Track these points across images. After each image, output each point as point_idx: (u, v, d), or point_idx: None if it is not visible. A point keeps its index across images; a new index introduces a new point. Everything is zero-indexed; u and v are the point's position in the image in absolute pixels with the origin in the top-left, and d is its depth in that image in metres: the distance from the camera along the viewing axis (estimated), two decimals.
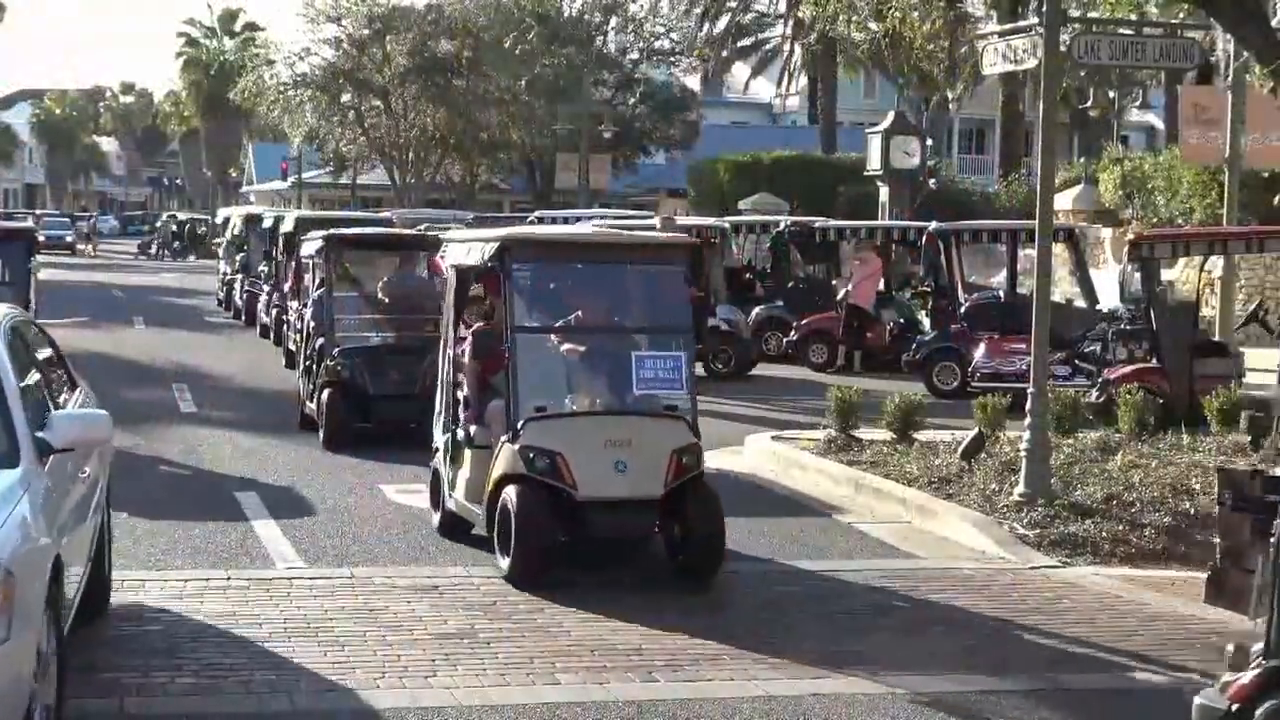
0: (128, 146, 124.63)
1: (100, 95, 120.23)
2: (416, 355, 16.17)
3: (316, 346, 17.15)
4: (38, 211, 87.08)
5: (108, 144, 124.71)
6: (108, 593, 9.38)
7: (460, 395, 11.47)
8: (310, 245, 18.65)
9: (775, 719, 7.81)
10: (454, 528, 11.52)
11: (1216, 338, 20.05)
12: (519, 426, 10.29)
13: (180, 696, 7.87)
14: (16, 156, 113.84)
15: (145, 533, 11.92)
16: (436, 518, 11.80)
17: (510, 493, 10.14)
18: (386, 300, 17.69)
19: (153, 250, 72.91)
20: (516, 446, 10.23)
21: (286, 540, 11.69)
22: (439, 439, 11.78)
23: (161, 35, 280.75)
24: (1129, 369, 17.37)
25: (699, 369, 22.32)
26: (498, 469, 10.38)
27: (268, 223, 30.84)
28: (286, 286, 24.00)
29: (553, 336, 11.14)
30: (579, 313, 11.24)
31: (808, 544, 12.07)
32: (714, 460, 15.61)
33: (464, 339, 11.66)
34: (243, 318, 31.99)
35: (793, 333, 25.26)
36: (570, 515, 10.21)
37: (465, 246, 11.42)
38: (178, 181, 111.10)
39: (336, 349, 16.62)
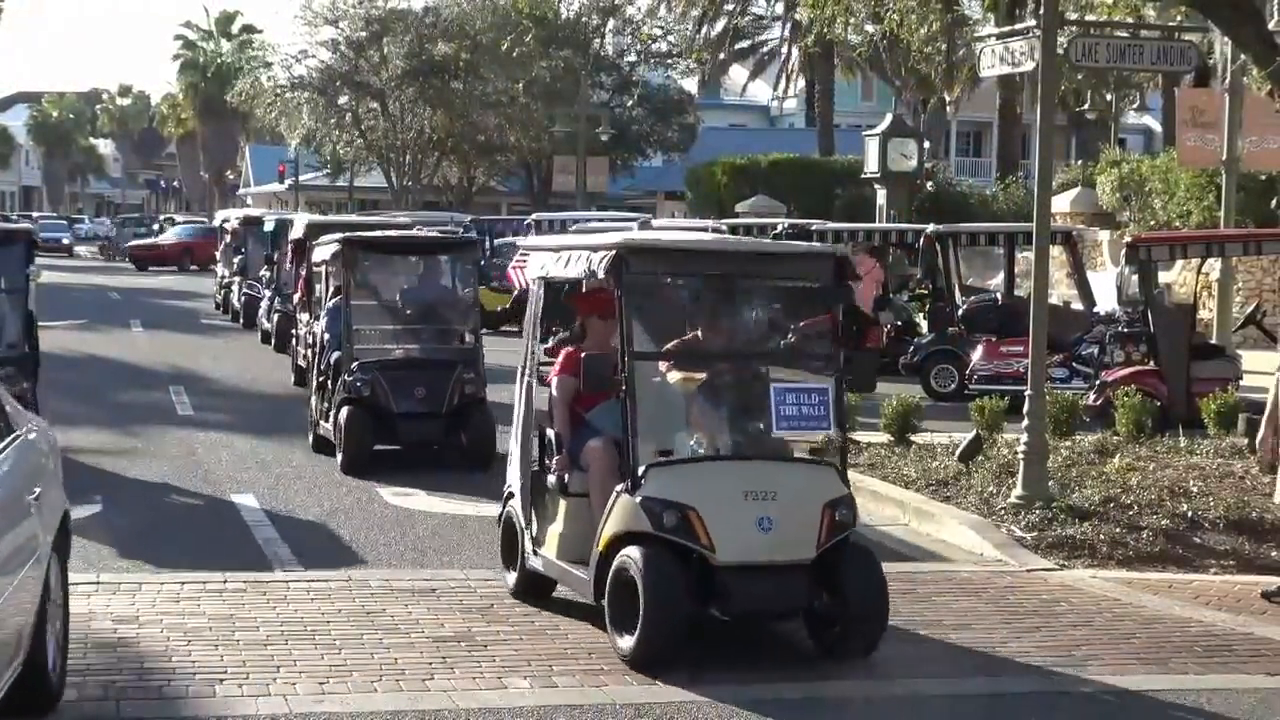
0: (125, 149, 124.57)
1: (97, 98, 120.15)
2: (443, 370, 15.24)
3: (332, 360, 15.77)
4: (34, 215, 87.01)
5: (105, 146, 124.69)
6: (50, 688, 7.35)
7: (550, 433, 9.60)
8: (324, 250, 17.00)
9: None
10: (536, 590, 9.81)
11: (1214, 340, 20.06)
12: (640, 474, 8.51)
13: (176, 699, 7.86)
14: (13, 159, 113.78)
15: (141, 535, 11.91)
16: (511, 578, 9.95)
17: (633, 556, 8.35)
18: (408, 310, 16.33)
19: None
20: (638, 499, 8.44)
21: (284, 543, 11.69)
22: (515, 483, 9.94)
23: (158, 38, 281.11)
24: (1126, 371, 17.36)
25: None
26: (613, 525, 8.59)
27: (269, 225, 30.24)
28: (296, 298, 22.31)
29: (675, 364, 9.23)
30: (698, 334, 9.44)
31: None
32: None
33: (549, 364, 9.97)
34: (240, 321, 31.87)
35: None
36: (703, 584, 8.42)
37: (557, 255, 9.52)
38: (175, 184, 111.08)
39: (355, 363, 15.13)
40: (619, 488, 8.60)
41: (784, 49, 58.03)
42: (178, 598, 9.82)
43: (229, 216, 40.43)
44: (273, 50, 59.75)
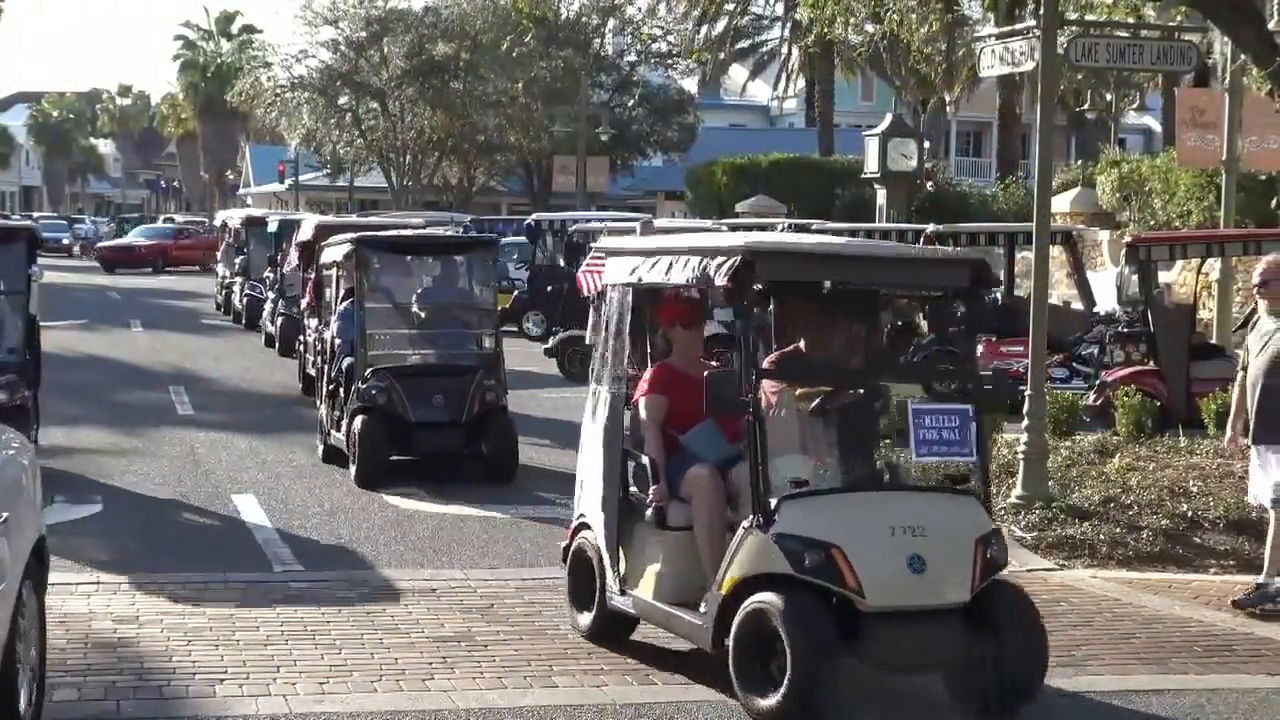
0: (125, 149, 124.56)
1: (97, 98, 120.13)
2: (463, 377, 14.58)
3: (343, 367, 15.08)
4: (35, 215, 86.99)
5: (105, 146, 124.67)
6: None
7: (643, 458, 8.50)
8: (335, 251, 16.14)
9: None
10: (616, 633, 8.86)
11: (1214, 340, 20.05)
12: (772, 508, 7.58)
13: (177, 699, 7.86)
14: (13, 159, 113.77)
15: (142, 535, 11.92)
16: (585, 619, 8.96)
17: (772, 602, 7.38)
18: (424, 314, 15.63)
19: None
20: (771, 535, 7.51)
21: (283, 543, 11.69)
22: (594, 514, 8.85)
23: (158, 38, 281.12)
24: (1126, 371, 17.36)
25: None
26: (740, 566, 7.63)
27: (272, 226, 29.66)
28: (304, 302, 21.52)
29: (803, 382, 8.22)
30: (799, 345, 8.53)
31: None
32: None
33: (635, 379, 8.90)
34: (243, 322, 31.59)
35: None
36: (847, 632, 7.44)
37: (654, 259, 8.42)
38: (175, 184, 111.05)
39: (369, 369, 14.41)
40: (745, 523, 7.63)
41: (784, 49, 58.02)
42: (178, 598, 9.82)
43: (230, 216, 40.40)
44: (273, 50, 59.70)
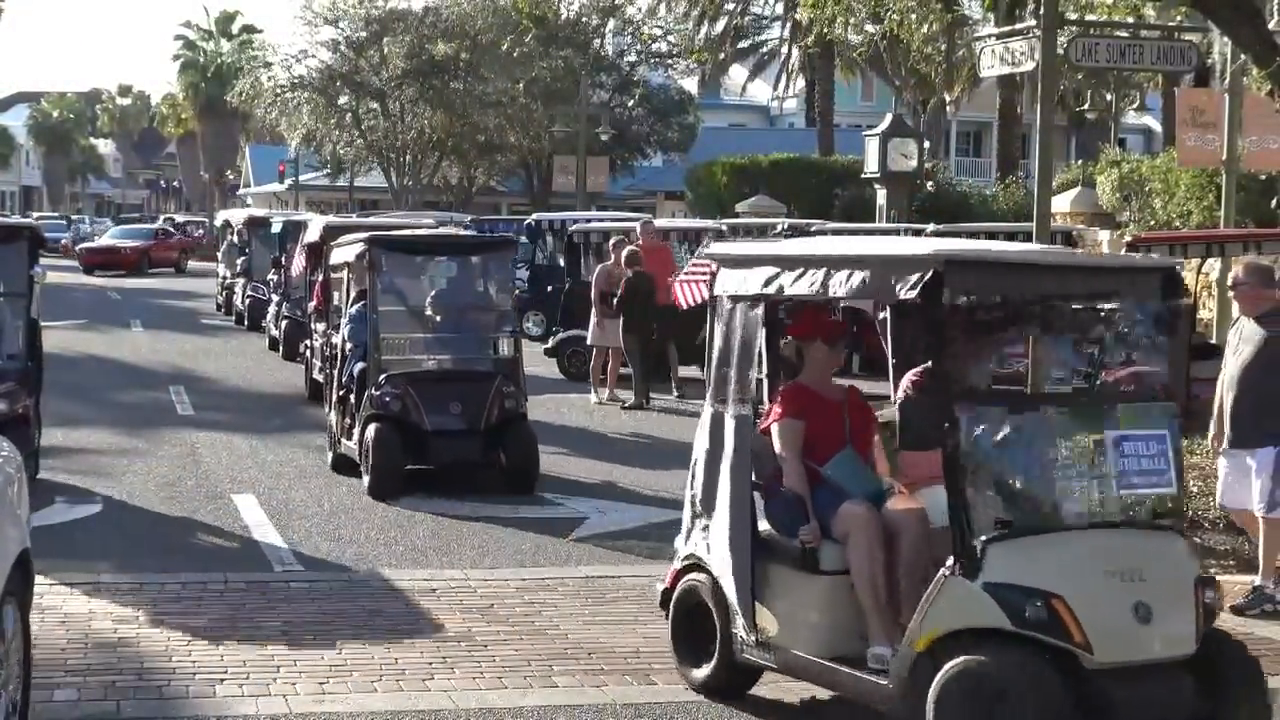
0: (125, 149, 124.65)
1: (97, 97, 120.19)
2: (480, 382, 14.05)
3: (355, 372, 14.48)
4: (34, 215, 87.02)
5: (105, 146, 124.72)
6: None
7: (782, 491, 7.68)
8: (346, 251, 15.45)
9: None
10: (738, 687, 7.99)
11: (1214, 340, 20.05)
12: (978, 549, 6.68)
13: (177, 699, 7.86)
14: (13, 159, 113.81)
15: (142, 536, 11.92)
16: (700, 672, 8.03)
17: (989, 663, 6.51)
18: (439, 317, 15.00)
19: None
20: (979, 584, 6.62)
21: (284, 543, 11.69)
22: (721, 554, 7.80)
23: (158, 38, 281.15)
24: (1126, 371, 17.33)
25: (694, 371, 22.38)
26: (941, 619, 6.71)
27: (276, 227, 29.20)
28: (310, 306, 21.19)
29: (1004, 409, 7.08)
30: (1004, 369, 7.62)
31: None
32: None
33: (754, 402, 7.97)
34: (245, 323, 31.40)
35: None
36: (1068, 690, 6.54)
37: (799, 269, 7.45)
38: (175, 184, 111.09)
39: (383, 375, 13.84)
40: (945, 569, 6.74)
41: (784, 49, 58.03)
42: (178, 598, 9.83)
43: (231, 216, 40.35)
44: (273, 50, 59.68)
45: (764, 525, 7.76)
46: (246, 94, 56.50)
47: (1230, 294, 10.53)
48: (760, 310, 7.85)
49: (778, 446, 7.76)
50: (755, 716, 7.84)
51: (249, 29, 79.87)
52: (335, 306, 17.33)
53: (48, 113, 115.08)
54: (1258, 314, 10.27)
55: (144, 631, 9.02)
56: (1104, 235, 30.85)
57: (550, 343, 23.53)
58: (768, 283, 7.61)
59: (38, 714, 7.52)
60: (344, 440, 14.50)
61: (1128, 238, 22.06)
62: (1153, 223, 29.88)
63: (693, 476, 8.13)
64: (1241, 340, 10.30)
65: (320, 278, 19.61)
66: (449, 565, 11.07)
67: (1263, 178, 25.10)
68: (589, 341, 20.81)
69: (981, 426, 6.92)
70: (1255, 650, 9.29)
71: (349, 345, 15.04)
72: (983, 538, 6.69)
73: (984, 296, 6.94)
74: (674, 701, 7.98)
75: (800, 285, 7.41)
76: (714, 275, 8.15)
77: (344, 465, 14.45)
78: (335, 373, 15.35)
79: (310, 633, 9.07)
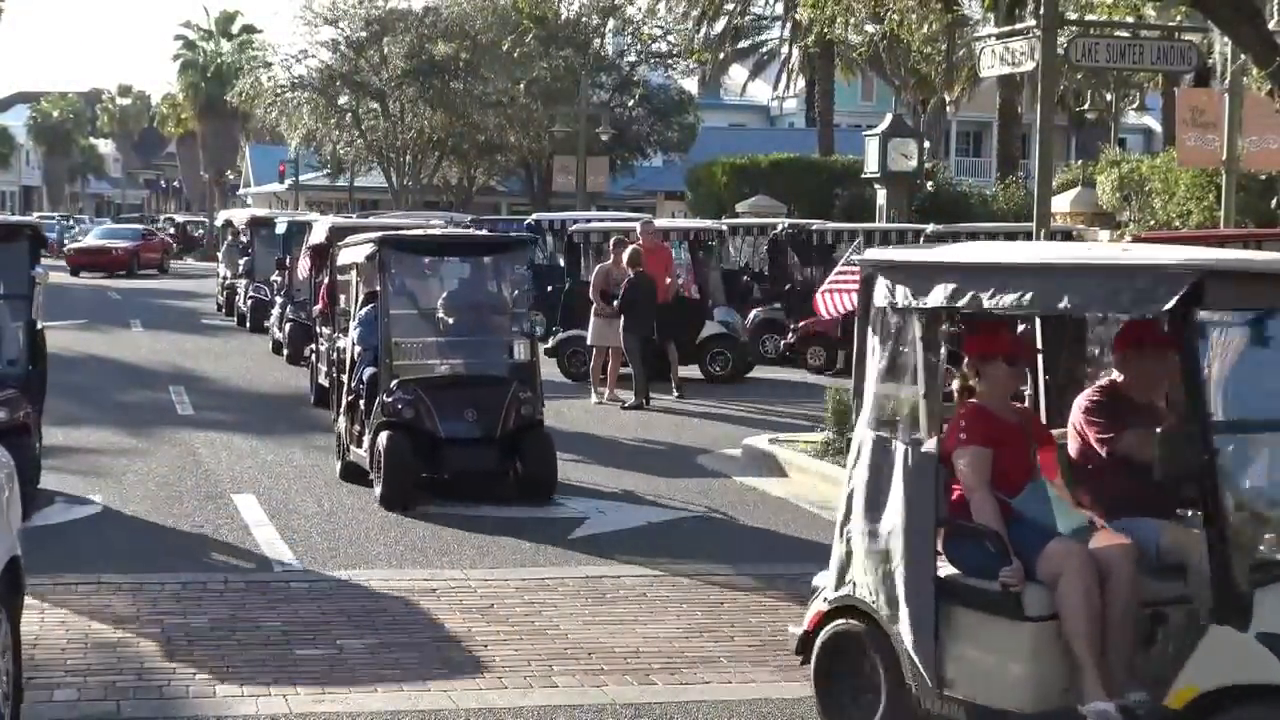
0: (125, 149, 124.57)
1: (97, 97, 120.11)
2: (496, 388, 13.60)
3: (365, 377, 14.00)
4: (35, 215, 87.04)
5: (105, 146, 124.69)
6: None
7: (973, 525, 6.87)
8: (355, 252, 14.86)
9: None
10: None
11: None
12: (1247, 595, 5.84)
13: (177, 699, 7.86)
14: (13, 159, 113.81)
15: (142, 535, 11.92)
16: None
17: None
18: (452, 320, 14.51)
19: None
20: (1253, 635, 5.80)
21: (284, 543, 11.68)
22: (890, 597, 7.00)
23: (158, 38, 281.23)
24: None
25: (694, 371, 22.40)
26: (1208, 674, 5.92)
27: (280, 227, 28.51)
28: (316, 309, 20.46)
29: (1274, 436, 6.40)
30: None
31: (805, 547, 12.05)
32: (709, 463, 15.62)
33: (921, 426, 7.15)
34: (246, 324, 30.92)
35: (790, 335, 25.28)
36: None
37: (994, 280, 6.63)
38: (175, 184, 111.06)
39: (395, 380, 13.39)
40: (1214, 623, 5.92)
41: (784, 49, 57.99)
42: (178, 598, 9.83)
43: (233, 216, 40.29)
44: (273, 50, 59.68)
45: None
46: (246, 94, 56.50)
47: None
48: (939, 323, 7.05)
49: (965, 478, 6.97)
50: (751, 711, 7.85)
51: (249, 29, 79.82)
52: (342, 310, 17.06)
53: (48, 113, 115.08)
54: None
55: (144, 631, 9.02)
56: (1104, 235, 30.86)
57: (550, 343, 23.52)
58: (955, 294, 6.73)
59: (38, 714, 7.53)
60: (353, 448, 14.04)
61: (1127, 238, 22.06)
62: (1152, 223, 29.89)
63: (848, 510, 7.31)
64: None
65: (326, 280, 19.16)
66: (449, 565, 11.06)
67: (1263, 178, 25.10)
68: (589, 341, 20.82)
69: (1245, 456, 6.29)
70: None
71: (358, 349, 14.53)
72: (1252, 582, 5.87)
73: (1245, 310, 6.26)
74: (674, 702, 7.99)
75: (1002, 298, 6.51)
76: (865, 283, 7.34)
77: (353, 473, 14.01)
78: (344, 377, 14.88)
79: (310, 633, 9.07)
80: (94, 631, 8.97)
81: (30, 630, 8.94)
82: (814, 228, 26.95)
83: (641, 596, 10.18)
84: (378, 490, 13.03)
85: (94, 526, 12.19)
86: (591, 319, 20.51)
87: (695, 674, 8.47)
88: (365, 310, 14.72)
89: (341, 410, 14.64)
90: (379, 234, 14.63)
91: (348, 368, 14.71)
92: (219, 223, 44.40)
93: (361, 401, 13.95)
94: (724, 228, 27.03)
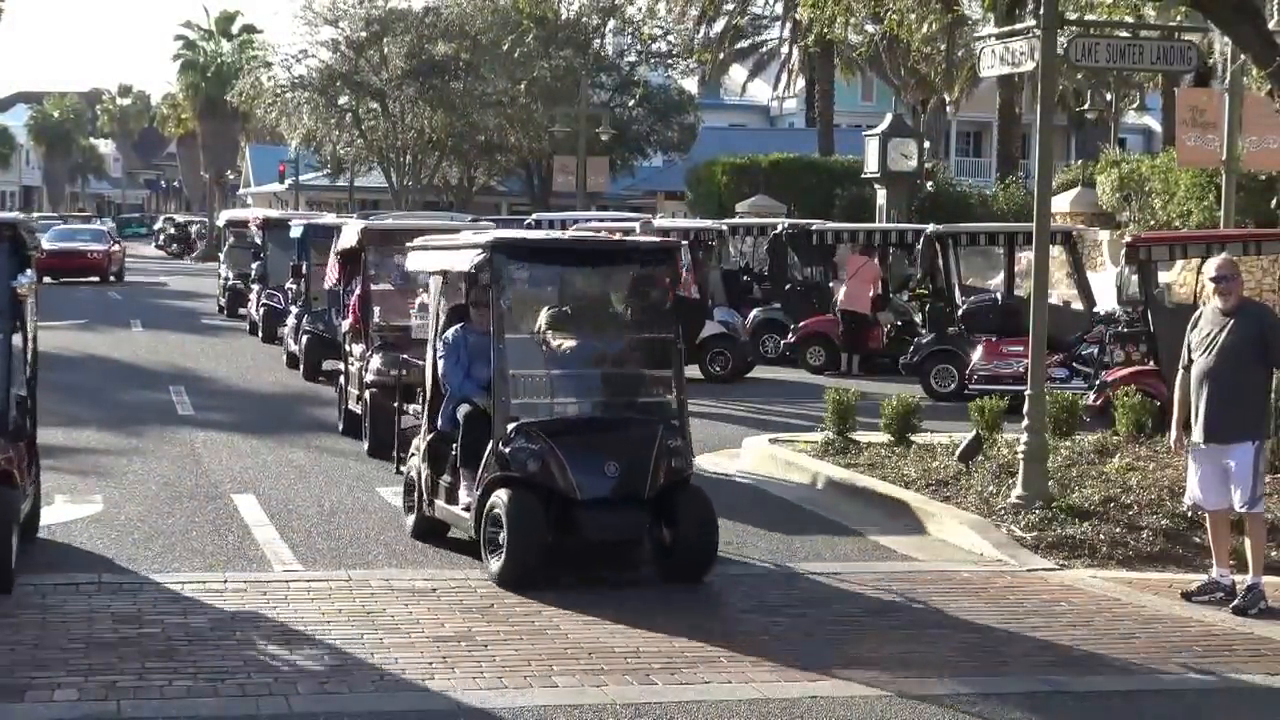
0: (125, 149, 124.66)
1: (97, 98, 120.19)
2: (639, 434, 10.73)
3: (460, 416, 11.22)
4: (35, 215, 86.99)
5: (105, 146, 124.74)
6: None
7: None
8: (442, 258, 11.94)
9: None
10: None
11: None
12: None
13: (177, 699, 7.86)
14: (14, 159, 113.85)
15: (142, 535, 11.91)
16: None
17: None
18: (578, 346, 11.52)
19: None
20: None
21: (284, 543, 11.69)
22: None
23: (159, 38, 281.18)
24: (1126, 371, 17.35)
25: (695, 371, 22.39)
26: None
27: (296, 231, 25.65)
28: (346, 324, 17.98)
29: None
30: None
31: (804, 546, 12.06)
32: (710, 462, 15.61)
33: None
34: (258, 334, 28.81)
35: (790, 335, 25.29)
36: None
37: None
38: (175, 184, 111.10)
39: (513, 425, 10.60)
40: None
41: (784, 49, 58.03)
42: (178, 598, 9.83)
43: (239, 215, 40.14)
44: (273, 50, 59.72)
45: None
46: (246, 94, 56.50)
47: (1211, 289, 10.54)
48: None
49: None
50: (750, 710, 7.85)
51: (249, 29, 79.81)
52: (376, 326, 15.85)
53: (48, 113, 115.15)
54: (1234, 308, 10.32)
55: (144, 631, 9.02)
56: (1104, 235, 30.87)
57: None
58: None
59: (39, 714, 7.53)
60: (441, 503, 11.45)
61: (1127, 238, 22.06)
62: (1152, 223, 29.88)
63: None
64: (1212, 335, 10.31)
65: (359, 290, 17.14)
66: (449, 565, 11.06)
67: (1262, 178, 25.10)
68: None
69: None
70: (1252, 649, 9.31)
71: (444, 379, 11.69)
72: None
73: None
74: (674, 701, 7.99)
75: None
76: None
77: (433, 532, 11.71)
78: (425, 411, 12.07)
79: (310, 632, 9.07)
80: (94, 631, 8.97)
81: (31, 630, 8.95)
82: (814, 228, 26.95)
83: (642, 596, 10.18)
84: (494, 565, 10.41)
85: (94, 526, 12.18)
86: None
87: (695, 674, 8.47)
88: (452, 331, 11.67)
89: (422, 454, 11.73)
90: (490, 236, 11.44)
91: (426, 399, 12.06)
92: (220, 222, 44.21)
93: (455, 448, 11.28)
94: (724, 228, 27.04)
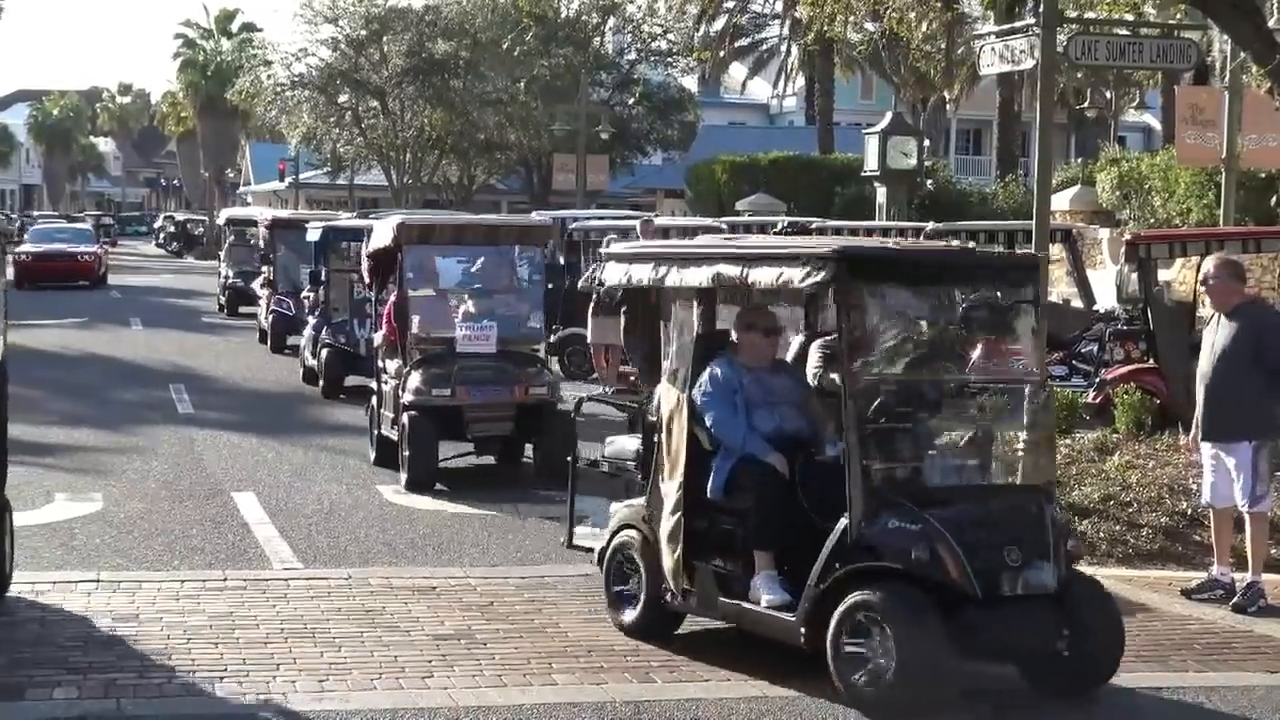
0: (125, 147, 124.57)
1: (97, 96, 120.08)
2: (1027, 508, 8.21)
3: (750, 481, 8.49)
4: (34, 214, 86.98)
5: (105, 145, 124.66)
6: None
7: None
8: (616, 270, 9.20)
9: (771, 719, 7.81)
10: None
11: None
12: None
13: (177, 697, 7.87)
14: (14, 158, 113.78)
15: (142, 533, 11.92)
16: None
17: None
18: (945, 396, 8.57)
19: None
20: None
21: (283, 541, 11.69)
22: None
23: (159, 36, 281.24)
24: (1126, 369, 17.34)
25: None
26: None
27: (313, 234, 23.12)
28: (379, 338, 15.74)
29: None
30: None
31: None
32: None
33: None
34: (267, 343, 27.16)
35: None
36: None
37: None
38: (175, 182, 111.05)
39: (876, 500, 7.90)
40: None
41: (783, 47, 57.98)
42: (178, 596, 9.83)
43: (246, 213, 40.06)
44: (273, 48, 59.56)
45: None
46: (247, 92, 56.46)
47: (1201, 290, 10.60)
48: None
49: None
50: (750, 708, 7.84)
51: (249, 27, 79.74)
52: (414, 337, 14.25)
53: (48, 111, 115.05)
54: (1229, 309, 10.34)
55: (144, 629, 9.02)
56: (1104, 233, 30.88)
57: (551, 340, 23.50)
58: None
59: (39, 712, 7.54)
60: (709, 594, 8.62)
61: (1127, 236, 22.07)
62: (1152, 221, 29.88)
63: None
64: (1215, 335, 10.38)
65: (394, 296, 15.03)
66: (449, 563, 11.07)
67: (1262, 176, 25.11)
68: (588, 340, 20.81)
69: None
70: (1252, 647, 9.31)
71: (714, 430, 8.67)
72: None
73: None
74: (674, 699, 7.99)
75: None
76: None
77: (662, 623, 9.00)
78: (661, 460, 8.90)
79: (310, 631, 9.07)
80: (94, 630, 8.97)
81: (31, 629, 8.95)
82: (814, 226, 26.92)
83: None
84: (866, 692, 7.73)
85: (94, 524, 12.19)
86: (589, 318, 20.50)
87: (695, 673, 8.46)
88: (722, 368, 8.73)
89: (679, 533, 8.65)
90: (833, 246, 8.22)
91: (669, 451, 8.83)
92: (220, 221, 44.17)
93: (727, 520, 8.61)
94: (724, 226, 27.02)
